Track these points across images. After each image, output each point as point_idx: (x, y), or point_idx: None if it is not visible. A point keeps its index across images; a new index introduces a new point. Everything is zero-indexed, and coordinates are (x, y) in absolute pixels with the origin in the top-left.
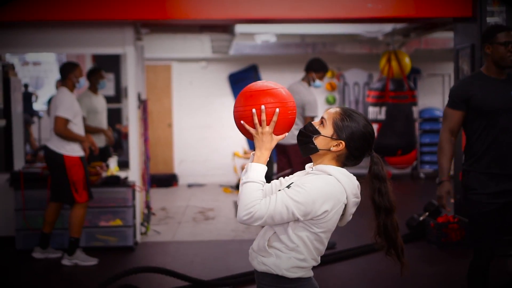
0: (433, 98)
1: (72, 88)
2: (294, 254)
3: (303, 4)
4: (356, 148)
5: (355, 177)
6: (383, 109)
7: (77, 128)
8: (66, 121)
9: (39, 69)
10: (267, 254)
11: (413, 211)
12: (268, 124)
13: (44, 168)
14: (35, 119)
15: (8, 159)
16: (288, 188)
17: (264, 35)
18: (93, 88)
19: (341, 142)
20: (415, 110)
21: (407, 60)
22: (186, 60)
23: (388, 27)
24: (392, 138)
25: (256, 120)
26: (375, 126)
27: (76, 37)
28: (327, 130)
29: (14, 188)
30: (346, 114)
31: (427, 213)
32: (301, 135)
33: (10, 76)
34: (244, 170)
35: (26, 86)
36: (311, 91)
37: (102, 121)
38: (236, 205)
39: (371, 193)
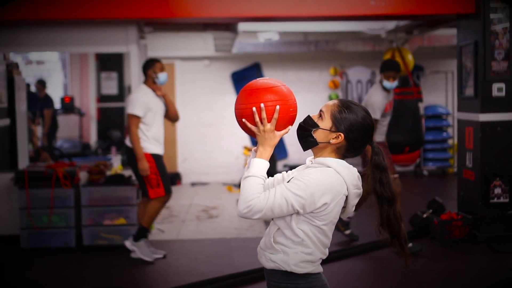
0: (436, 95)
1: (151, 84)
2: (301, 249)
3: (306, 1)
4: (355, 139)
5: (355, 169)
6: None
7: (156, 126)
8: (136, 118)
9: (42, 68)
10: (275, 251)
11: (417, 208)
12: (269, 122)
13: (48, 167)
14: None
15: (12, 158)
16: (288, 182)
17: (267, 33)
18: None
19: (340, 134)
20: (420, 106)
21: (410, 57)
22: (189, 58)
23: (391, 24)
24: (399, 135)
25: (257, 118)
26: None
27: (79, 36)
28: (326, 123)
29: (18, 187)
30: (344, 106)
31: (430, 210)
32: (300, 129)
33: (14, 75)
34: (247, 166)
35: (28, 85)
36: (377, 93)
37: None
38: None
39: (372, 184)
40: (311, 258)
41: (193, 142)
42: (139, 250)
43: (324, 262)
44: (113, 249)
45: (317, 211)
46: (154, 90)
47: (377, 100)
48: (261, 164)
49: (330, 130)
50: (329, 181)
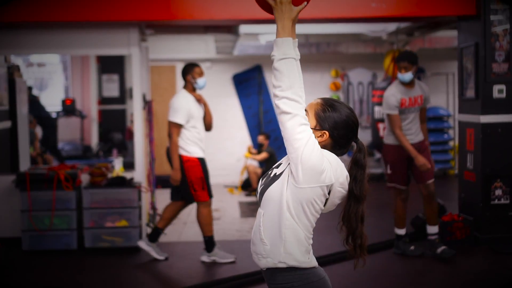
0: (437, 97)
1: (191, 90)
2: (284, 232)
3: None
4: (340, 137)
5: (344, 168)
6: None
7: (196, 131)
8: (177, 126)
9: (43, 71)
10: (263, 246)
11: (418, 211)
12: None
13: (49, 169)
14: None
15: (13, 160)
16: (278, 169)
17: (268, 35)
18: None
19: (324, 133)
20: None
21: None
22: (191, 60)
23: (392, 26)
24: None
25: None
26: (381, 126)
27: (80, 38)
28: (310, 121)
29: (20, 189)
30: (327, 105)
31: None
32: None
33: (16, 77)
34: (274, 45)
35: (30, 88)
36: (392, 87)
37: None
38: (241, 205)
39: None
40: (299, 242)
41: None
42: (217, 257)
43: (323, 264)
44: (114, 251)
45: (298, 168)
46: (195, 97)
47: (388, 94)
48: (289, 42)
49: (315, 129)
50: (322, 161)
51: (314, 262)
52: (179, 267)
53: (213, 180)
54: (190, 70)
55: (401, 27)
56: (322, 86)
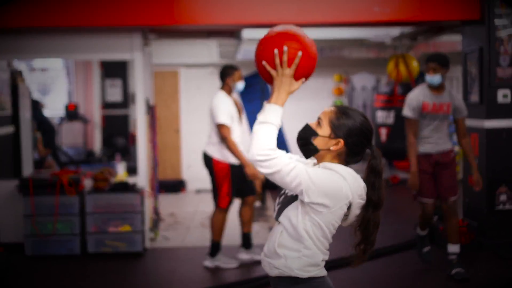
0: None
1: (229, 92)
2: (303, 252)
3: (310, 8)
4: (355, 144)
5: (360, 178)
6: (392, 113)
7: (235, 135)
8: (226, 127)
9: (46, 75)
10: (277, 257)
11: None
12: (289, 66)
13: (52, 174)
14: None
15: (16, 165)
16: None
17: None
18: (227, 89)
19: (339, 141)
20: None
21: (415, 64)
22: (194, 65)
23: (395, 31)
24: (401, 142)
25: (277, 61)
26: (384, 131)
27: (83, 43)
28: (324, 130)
29: (23, 194)
30: (341, 112)
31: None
32: (300, 137)
33: (18, 82)
34: (262, 109)
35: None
36: (416, 89)
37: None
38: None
39: (365, 186)
40: (314, 261)
41: (197, 149)
42: (221, 263)
43: (327, 269)
44: (117, 256)
45: (318, 208)
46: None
47: (410, 95)
48: (277, 111)
49: (329, 137)
50: (336, 184)
51: (324, 272)
52: (182, 272)
53: None
54: (231, 73)
55: (404, 31)
56: (325, 91)
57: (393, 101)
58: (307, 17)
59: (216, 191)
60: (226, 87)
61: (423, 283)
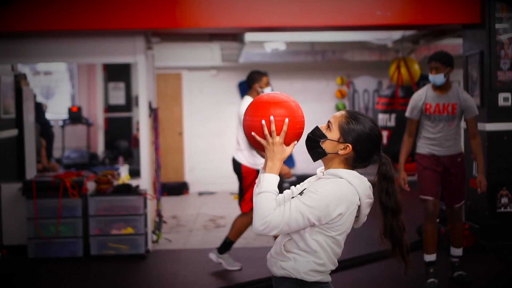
0: None
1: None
2: (313, 258)
3: (312, 12)
4: (363, 150)
5: (366, 178)
6: (393, 116)
7: None
8: None
9: (50, 79)
10: (286, 259)
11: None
12: (278, 135)
13: (55, 177)
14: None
15: (20, 168)
16: (301, 194)
17: (274, 43)
18: (254, 95)
19: (348, 145)
20: None
21: (416, 67)
22: (196, 68)
23: (397, 34)
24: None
25: (266, 131)
26: (385, 133)
27: (87, 47)
28: (334, 134)
29: (26, 197)
30: (351, 117)
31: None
32: (309, 140)
33: (22, 85)
34: (257, 181)
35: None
36: (419, 90)
37: None
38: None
39: (378, 193)
40: (322, 269)
41: (200, 152)
42: (224, 262)
43: (331, 272)
44: (120, 258)
45: (332, 222)
46: None
47: (414, 96)
48: (271, 179)
49: (338, 141)
50: (342, 192)
51: (329, 278)
52: (184, 274)
53: (219, 187)
54: (258, 79)
55: (406, 35)
56: (328, 94)
57: (394, 104)
58: (310, 21)
59: (241, 195)
60: (253, 93)
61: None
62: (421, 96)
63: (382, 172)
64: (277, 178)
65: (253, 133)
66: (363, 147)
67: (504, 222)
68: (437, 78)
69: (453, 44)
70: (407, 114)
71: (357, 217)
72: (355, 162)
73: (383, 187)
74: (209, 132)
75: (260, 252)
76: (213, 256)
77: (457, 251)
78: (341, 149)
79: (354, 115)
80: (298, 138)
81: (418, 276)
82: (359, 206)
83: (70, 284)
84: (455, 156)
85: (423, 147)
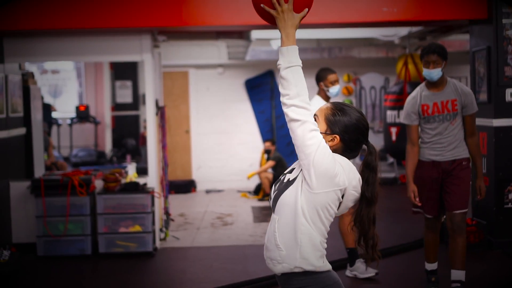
0: None
1: (324, 96)
2: (300, 235)
3: (318, 9)
4: (351, 140)
5: (357, 171)
6: (402, 112)
7: None
8: None
9: (57, 77)
10: (278, 249)
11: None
12: (286, 2)
13: (64, 175)
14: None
15: (28, 167)
16: (290, 172)
17: (280, 41)
18: (322, 94)
19: (335, 137)
20: None
21: None
22: (203, 66)
23: (404, 31)
24: None
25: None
26: (393, 130)
27: (94, 45)
28: (321, 126)
29: (34, 195)
30: (337, 109)
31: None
32: None
33: (30, 84)
34: (281, 54)
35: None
36: (414, 91)
37: None
38: (253, 210)
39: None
40: (313, 244)
41: (207, 150)
42: (358, 272)
43: (336, 269)
44: (128, 256)
45: (311, 173)
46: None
47: (408, 99)
48: (294, 51)
49: (325, 133)
50: (332, 168)
51: (328, 266)
52: (191, 272)
53: (227, 185)
54: (323, 77)
55: (413, 31)
56: None
57: (403, 100)
58: (316, 18)
59: None
60: (321, 92)
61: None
62: (415, 98)
63: (366, 161)
64: (297, 48)
65: (262, 5)
66: (351, 137)
67: (511, 218)
68: (435, 72)
69: (460, 40)
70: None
71: (340, 202)
72: (343, 153)
73: (364, 176)
74: (216, 130)
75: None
76: (348, 272)
77: (458, 275)
78: (329, 141)
79: (340, 106)
80: (308, 4)
81: (424, 273)
82: (343, 195)
83: (78, 282)
84: (459, 161)
85: (422, 153)
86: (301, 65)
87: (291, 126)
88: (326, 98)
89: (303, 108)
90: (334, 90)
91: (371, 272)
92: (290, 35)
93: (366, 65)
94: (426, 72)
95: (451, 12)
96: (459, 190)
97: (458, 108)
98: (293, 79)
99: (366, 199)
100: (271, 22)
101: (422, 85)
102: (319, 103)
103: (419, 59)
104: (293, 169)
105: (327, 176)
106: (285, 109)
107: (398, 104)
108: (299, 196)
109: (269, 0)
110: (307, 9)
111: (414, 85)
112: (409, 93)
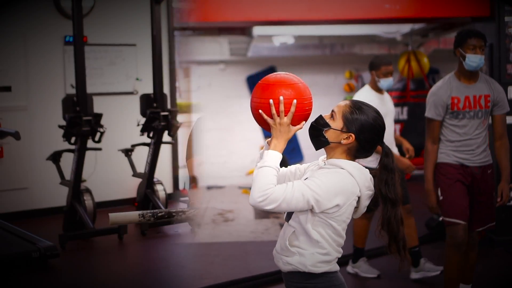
0: None
1: (375, 87)
2: (317, 250)
3: (320, 5)
4: (366, 140)
5: (367, 170)
6: (405, 109)
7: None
8: None
9: None
10: (291, 254)
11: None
12: (286, 115)
13: None
14: None
15: None
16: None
17: (282, 37)
18: (373, 84)
19: (351, 135)
20: None
21: (425, 60)
22: (205, 62)
23: (406, 28)
24: (415, 138)
25: (273, 111)
26: (397, 127)
27: None
28: (337, 123)
29: None
30: (355, 107)
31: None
32: (312, 128)
33: None
34: (260, 156)
35: None
36: (443, 79)
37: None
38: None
39: (378, 184)
40: (328, 258)
41: (209, 146)
42: (360, 271)
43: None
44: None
45: (329, 211)
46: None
47: (433, 90)
48: (275, 156)
49: (341, 131)
50: (342, 183)
51: (337, 267)
52: (193, 268)
53: (228, 181)
54: (377, 66)
55: (415, 28)
56: (336, 88)
57: (406, 97)
58: (318, 14)
59: None
60: (373, 82)
61: (432, 280)
62: (445, 88)
63: (383, 163)
64: (280, 156)
65: (260, 111)
66: (366, 137)
67: None
68: (478, 60)
69: None
70: (429, 114)
71: (356, 207)
72: (357, 152)
73: (383, 178)
74: (217, 126)
75: (269, 245)
76: (349, 268)
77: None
78: (344, 139)
79: (358, 104)
80: (306, 118)
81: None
82: (359, 197)
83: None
84: (485, 168)
85: (448, 155)
86: (276, 168)
87: (282, 210)
88: (377, 89)
89: (267, 197)
90: (385, 82)
91: (373, 273)
92: (280, 145)
93: (368, 62)
94: (472, 57)
95: (453, 9)
96: (486, 206)
97: (490, 106)
98: (258, 178)
99: (390, 201)
100: (267, 128)
101: (451, 75)
102: (367, 95)
103: (455, 43)
104: (306, 179)
105: (338, 197)
106: (266, 208)
107: (401, 101)
108: (313, 217)
109: (268, 108)
110: (304, 122)
111: (417, 82)
112: (412, 90)
